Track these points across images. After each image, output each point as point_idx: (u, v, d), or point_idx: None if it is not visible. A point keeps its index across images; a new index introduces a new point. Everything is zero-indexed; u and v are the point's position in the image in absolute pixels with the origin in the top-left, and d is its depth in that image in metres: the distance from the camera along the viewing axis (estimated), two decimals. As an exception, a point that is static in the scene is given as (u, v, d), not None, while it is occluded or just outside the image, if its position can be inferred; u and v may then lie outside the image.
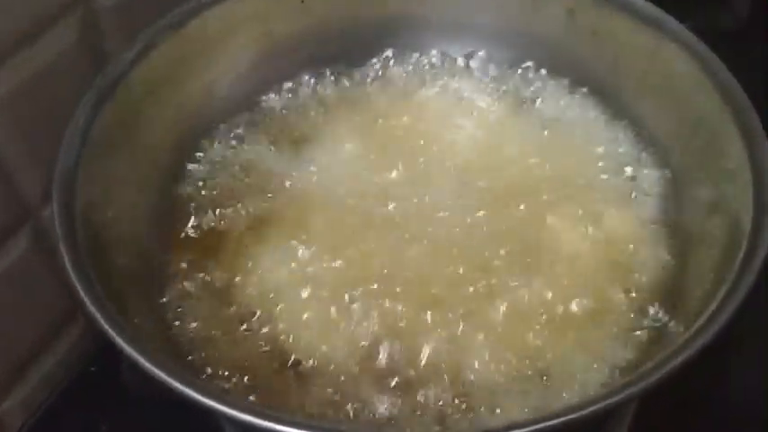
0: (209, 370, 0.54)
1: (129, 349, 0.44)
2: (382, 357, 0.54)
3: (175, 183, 0.63)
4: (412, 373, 0.53)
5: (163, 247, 0.60)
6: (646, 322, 0.55)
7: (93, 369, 0.67)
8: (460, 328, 0.54)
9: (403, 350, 0.54)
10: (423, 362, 0.53)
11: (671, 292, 0.56)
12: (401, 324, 0.55)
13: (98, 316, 0.46)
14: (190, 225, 0.61)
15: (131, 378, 0.63)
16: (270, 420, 0.41)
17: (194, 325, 0.56)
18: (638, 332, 0.54)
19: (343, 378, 0.53)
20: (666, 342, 0.51)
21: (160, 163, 0.63)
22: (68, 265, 0.48)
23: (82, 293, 0.47)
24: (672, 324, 0.53)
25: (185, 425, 0.60)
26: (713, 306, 0.46)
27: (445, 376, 0.53)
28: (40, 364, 0.69)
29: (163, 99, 0.62)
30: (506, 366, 0.53)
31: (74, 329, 0.70)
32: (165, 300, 0.57)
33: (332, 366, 0.53)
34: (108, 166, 0.57)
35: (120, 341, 0.45)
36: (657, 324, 0.54)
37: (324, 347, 0.54)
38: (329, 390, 0.52)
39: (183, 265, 0.59)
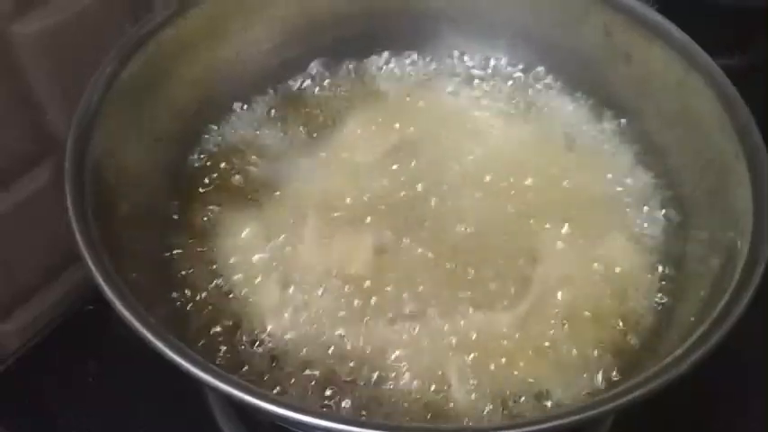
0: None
1: (105, 288, 0.46)
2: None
3: (189, 147, 0.65)
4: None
5: (169, 203, 0.62)
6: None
7: (90, 308, 0.69)
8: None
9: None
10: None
11: (661, 320, 0.56)
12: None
13: (88, 258, 0.48)
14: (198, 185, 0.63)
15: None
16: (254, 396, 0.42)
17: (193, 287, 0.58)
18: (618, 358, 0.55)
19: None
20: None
21: (179, 124, 0.64)
22: (69, 203, 0.50)
23: (78, 235, 0.49)
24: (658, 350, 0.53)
25: (172, 373, 0.62)
26: (699, 331, 0.47)
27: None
28: (42, 296, 0.72)
29: (193, 60, 0.64)
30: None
31: (78, 269, 0.72)
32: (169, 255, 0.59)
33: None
34: (128, 116, 0.59)
35: (100, 281, 0.47)
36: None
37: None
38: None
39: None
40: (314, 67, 0.71)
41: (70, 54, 0.62)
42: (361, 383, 0.53)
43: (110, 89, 0.57)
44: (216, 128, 0.67)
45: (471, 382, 0.53)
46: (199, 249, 0.60)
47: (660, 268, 0.59)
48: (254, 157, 0.65)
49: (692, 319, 0.51)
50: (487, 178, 0.64)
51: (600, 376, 0.54)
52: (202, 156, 0.65)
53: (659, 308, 0.57)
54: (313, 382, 0.53)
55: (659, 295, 0.58)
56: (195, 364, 0.44)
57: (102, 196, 0.53)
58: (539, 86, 0.70)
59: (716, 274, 0.53)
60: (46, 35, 0.60)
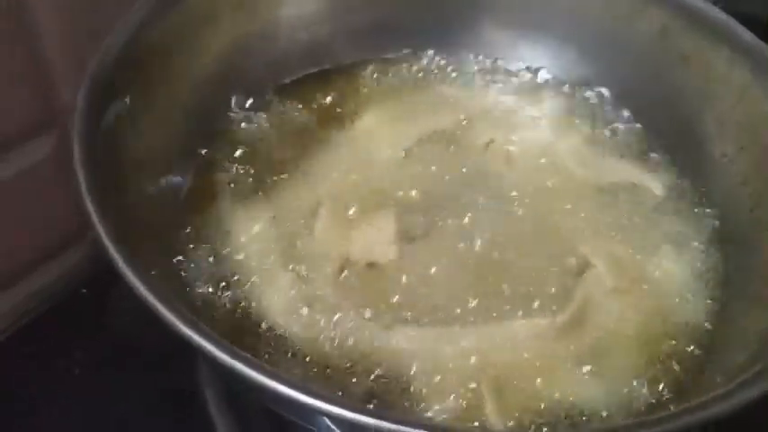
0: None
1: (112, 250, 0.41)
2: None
3: (207, 126, 0.60)
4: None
5: (182, 180, 0.57)
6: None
7: (84, 291, 0.64)
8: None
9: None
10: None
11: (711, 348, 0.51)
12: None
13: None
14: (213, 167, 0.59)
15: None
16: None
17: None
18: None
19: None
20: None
21: (198, 100, 0.59)
22: (78, 162, 0.45)
23: (83, 185, 0.44)
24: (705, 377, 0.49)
25: (160, 364, 0.58)
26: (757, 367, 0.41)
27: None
28: (35, 276, 0.67)
29: (218, 32, 0.60)
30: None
31: (75, 252, 0.68)
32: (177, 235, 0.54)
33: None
34: (144, 84, 0.54)
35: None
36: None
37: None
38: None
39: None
40: (344, 50, 0.66)
41: (85, 16, 0.58)
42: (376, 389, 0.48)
43: (127, 52, 0.52)
44: (237, 107, 0.62)
45: (503, 399, 0.47)
46: (209, 232, 0.55)
47: (712, 289, 0.54)
48: (273, 141, 0.61)
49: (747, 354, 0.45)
50: (524, 181, 0.59)
51: (643, 398, 0.48)
52: (219, 136, 0.60)
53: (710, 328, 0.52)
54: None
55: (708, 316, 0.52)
56: (188, 323, 0.39)
57: (111, 165, 0.49)
58: (587, 94, 0.66)
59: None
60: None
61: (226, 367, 0.38)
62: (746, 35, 0.57)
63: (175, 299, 0.45)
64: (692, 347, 0.51)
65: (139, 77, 0.53)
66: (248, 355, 0.38)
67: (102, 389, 0.59)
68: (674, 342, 0.51)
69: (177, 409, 0.59)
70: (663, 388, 0.49)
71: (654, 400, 0.48)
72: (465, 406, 0.46)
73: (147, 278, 0.40)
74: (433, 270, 0.53)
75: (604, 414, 0.47)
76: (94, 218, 0.42)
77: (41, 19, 0.57)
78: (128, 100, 0.52)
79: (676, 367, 0.50)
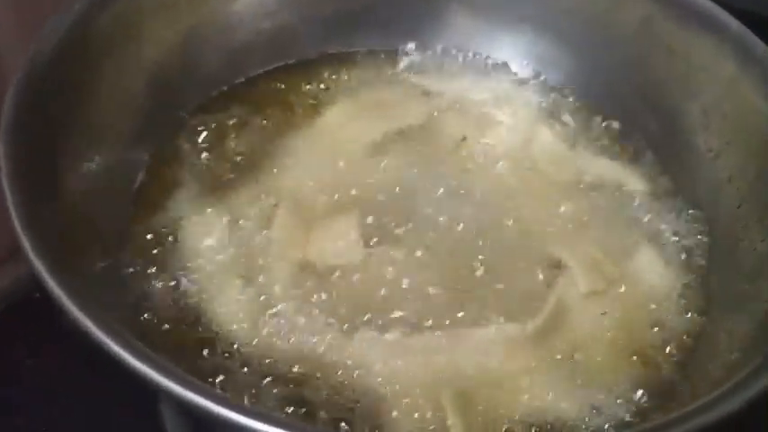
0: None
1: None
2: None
3: (160, 120, 0.56)
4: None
5: (132, 176, 0.54)
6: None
7: (37, 296, 0.60)
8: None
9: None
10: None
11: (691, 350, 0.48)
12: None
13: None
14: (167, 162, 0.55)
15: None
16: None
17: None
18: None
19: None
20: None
21: (151, 93, 0.55)
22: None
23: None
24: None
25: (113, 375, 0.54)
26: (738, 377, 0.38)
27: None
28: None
29: (173, 21, 0.56)
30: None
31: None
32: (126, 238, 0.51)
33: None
34: (91, 73, 0.51)
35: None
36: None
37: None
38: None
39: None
40: (309, 43, 0.63)
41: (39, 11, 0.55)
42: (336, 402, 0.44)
43: (72, 37, 0.49)
44: (192, 103, 0.58)
45: (469, 410, 0.43)
46: (159, 233, 0.51)
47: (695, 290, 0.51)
48: (231, 138, 0.57)
49: (733, 356, 0.43)
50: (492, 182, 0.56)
51: (620, 408, 0.45)
52: (174, 131, 0.57)
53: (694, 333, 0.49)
54: (275, 400, 0.44)
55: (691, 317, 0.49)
56: (124, 346, 0.35)
57: (49, 164, 0.46)
58: (565, 88, 0.62)
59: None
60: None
61: (151, 384, 0.34)
62: (733, 23, 0.54)
63: (111, 308, 0.43)
64: (672, 353, 0.48)
65: (82, 70, 0.50)
66: (176, 369, 0.35)
67: (54, 395, 0.56)
68: (653, 347, 0.48)
69: (132, 413, 0.55)
70: (641, 397, 0.46)
71: (632, 410, 0.45)
72: (428, 418, 0.43)
73: (71, 287, 0.38)
74: (398, 274, 0.49)
75: (578, 425, 0.44)
76: (18, 229, 0.40)
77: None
78: (67, 95, 0.49)
79: (656, 374, 0.47)
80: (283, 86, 0.61)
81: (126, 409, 0.55)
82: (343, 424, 0.43)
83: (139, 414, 0.55)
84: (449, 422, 0.42)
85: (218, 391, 0.44)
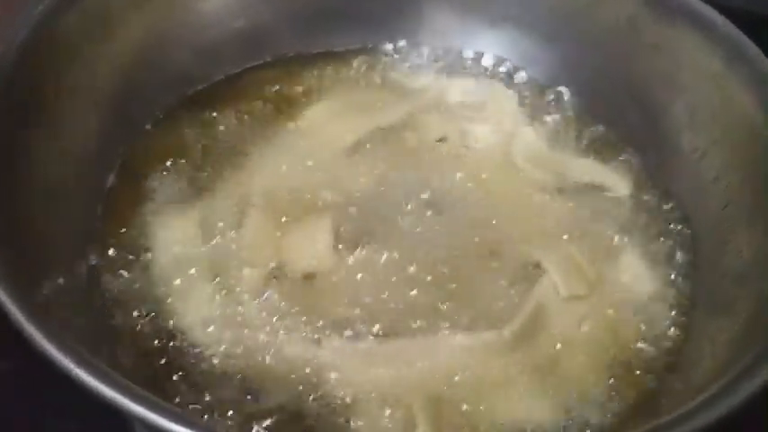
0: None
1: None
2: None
3: (131, 118, 0.55)
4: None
5: (100, 178, 0.52)
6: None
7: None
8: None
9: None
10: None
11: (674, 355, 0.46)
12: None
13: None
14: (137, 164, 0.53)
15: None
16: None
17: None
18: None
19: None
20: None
21: (121, 91, 0.54)
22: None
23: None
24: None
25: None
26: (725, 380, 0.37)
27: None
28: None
29: (144, 18, 0.55)
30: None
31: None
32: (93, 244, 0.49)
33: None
34: (59, 70, 0.49)
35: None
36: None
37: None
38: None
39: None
40: (282, 41, 0.61)
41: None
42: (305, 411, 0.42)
43: (38, 36, 0.48)
44: (168, 101, 0.57)
45: (440, 420, 0.42)
46: (128, 238, 0.50)
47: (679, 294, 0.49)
48: (204, 139, 0.56)
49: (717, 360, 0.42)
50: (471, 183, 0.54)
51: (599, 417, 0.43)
52: (146, 130, 0.56)
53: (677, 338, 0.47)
54: (249, 408, 0.43)
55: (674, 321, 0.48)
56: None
57: (11, 170, 0.44)
58: (548, 88, 0.60)
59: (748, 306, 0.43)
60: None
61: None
62: (718, 19, 0.52)
63: (77, 311, 0.43)
64: (655, 358, 0.46)
65: (49, 70, 0.49)
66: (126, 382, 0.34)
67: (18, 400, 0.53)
68: (635, 353, 0.46)
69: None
70: (621, 404, 0.44)
71: (612, 417, 0.43)
72: (399, 427, 0.41)
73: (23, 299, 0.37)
74: (372, 280, 0.48)
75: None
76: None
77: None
78: (34, 95, 0.47)
79: (637, 380, 0.45)
80: (260, 86, 0.59)
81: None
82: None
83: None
84: (418, 430, 0.41)
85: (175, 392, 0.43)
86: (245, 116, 0.57)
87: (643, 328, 0.47)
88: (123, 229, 0.50)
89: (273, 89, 0.59)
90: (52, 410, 0.52)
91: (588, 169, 0.55)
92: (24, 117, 0.47)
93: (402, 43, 0.63)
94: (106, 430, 0.51)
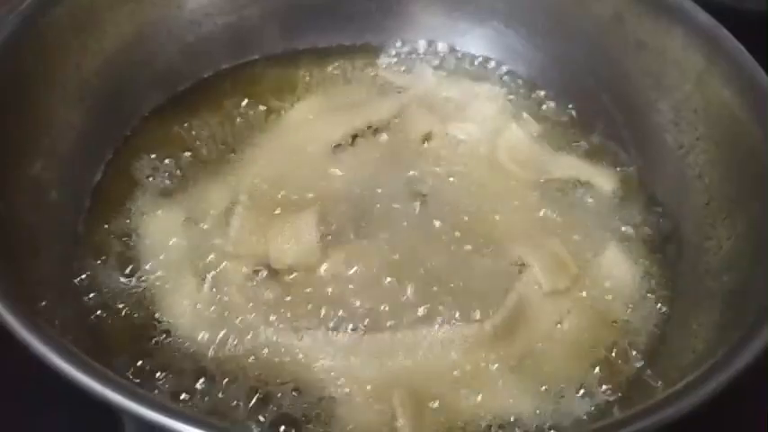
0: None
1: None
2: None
3: (119, 115, 0.55)
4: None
5: (88, 175, 0.52)
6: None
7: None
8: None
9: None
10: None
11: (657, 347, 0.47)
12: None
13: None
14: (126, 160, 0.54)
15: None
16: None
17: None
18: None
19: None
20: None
21: (108, 87, 0.54)
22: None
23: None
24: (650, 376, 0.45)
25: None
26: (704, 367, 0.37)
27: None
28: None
29: (134, 12, 0.55)
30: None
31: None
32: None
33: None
34: (46, 65, 0.50)
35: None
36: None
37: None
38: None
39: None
40: (275, 38, 0.61)
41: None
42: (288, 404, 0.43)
43: (24, 31, 0.48)
44: (156, 97, 0.57)
45: (420, 413, 0.42)
46: (115, 232, 0.50)
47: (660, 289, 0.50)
48: (191, 136, 0.56)
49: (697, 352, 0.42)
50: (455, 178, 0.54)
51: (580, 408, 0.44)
52: (134, 127, 0.56)
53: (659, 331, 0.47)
54: (235, 401, 0.43)
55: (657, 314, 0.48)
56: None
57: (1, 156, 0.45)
58: (534, 84, 0.60)
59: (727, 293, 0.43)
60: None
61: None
62: (702, 16, 0.53)
63: (63, 307, 0.43)
64: (636, 350, 0.47)
65: (35, 65, 0.49)
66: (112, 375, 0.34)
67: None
68: (617, 345, 0.47)
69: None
70: (603, 395, 0.45)
71: (593, 409, 0.44)
72: (379, 419, 0.42)
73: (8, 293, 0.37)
74: (356, 274, 0.48)
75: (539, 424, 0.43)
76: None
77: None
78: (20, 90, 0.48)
79: (618, 371, 0.46)
80: (248, 83, 0.60)
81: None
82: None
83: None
84: (398, 423, 0.41)
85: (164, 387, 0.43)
86: (233, 112, 0.57)
87: (626, 320, 0.48)
88: (110, 224, 0.50)
89: (261, 86, 0.59)
90: (40, 406, 0.53)
91: (572, 166, 0.56)
92: (11, 112, 0.47)
93: (389, 41, 0.63)
94: (96, 426, 0.51)
